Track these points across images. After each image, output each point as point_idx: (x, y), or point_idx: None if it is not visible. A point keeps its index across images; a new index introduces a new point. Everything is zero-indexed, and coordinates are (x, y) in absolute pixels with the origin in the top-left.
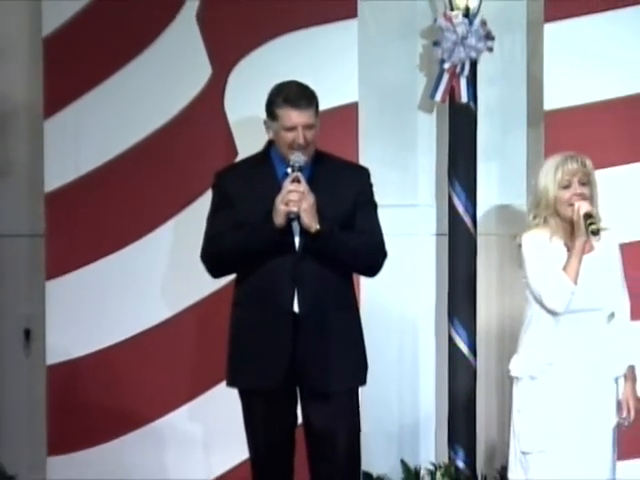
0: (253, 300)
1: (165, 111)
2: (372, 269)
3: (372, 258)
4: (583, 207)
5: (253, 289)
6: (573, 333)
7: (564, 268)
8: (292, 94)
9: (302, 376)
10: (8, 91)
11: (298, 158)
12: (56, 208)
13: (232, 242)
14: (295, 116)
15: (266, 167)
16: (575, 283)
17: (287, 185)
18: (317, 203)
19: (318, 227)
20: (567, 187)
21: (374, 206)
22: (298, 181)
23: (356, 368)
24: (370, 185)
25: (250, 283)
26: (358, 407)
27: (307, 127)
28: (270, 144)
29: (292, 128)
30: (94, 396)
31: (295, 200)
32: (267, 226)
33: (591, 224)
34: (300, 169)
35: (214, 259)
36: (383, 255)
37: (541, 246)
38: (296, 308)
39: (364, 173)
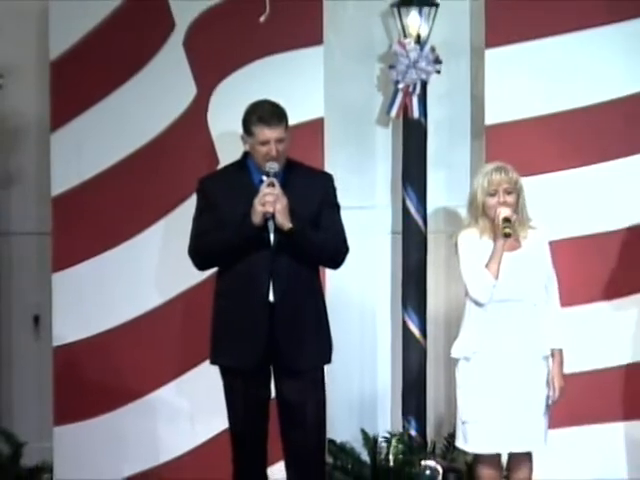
0: (234, 290)
1: (156, 125)
2: (336, 262)
3: (336, 252)
4: (503, 213)
5: (234, 280)
6: (500, 320)
7: (486, 265)
8: (265, 113)
9: (276, 356)
10: (20, 108)
11: (272, 165)
12: (61, 210)
13: (216, 240)
14: (268, 133)
15: (244, 174)
16: (496, 278)
17: (264, 189)
18: (289, 204)
19: (290, 225)
20: (493, 195)
21: (337, 207)
22: (273, 185)
23: (323, 349)
24: (334, 189)
25: (231, 275)
26: (324, 382)
27: (278, 141)
28: (246, 154)
29: (265, 142)
30: (94, 373)
31: (271, 201)
32: (246, 224)
33: (505, 228)
34: (275, 175)
35: (200, 255)
36: (345, 250)
37: (471, 244)
38: (271, 297)
39: (329, 178)
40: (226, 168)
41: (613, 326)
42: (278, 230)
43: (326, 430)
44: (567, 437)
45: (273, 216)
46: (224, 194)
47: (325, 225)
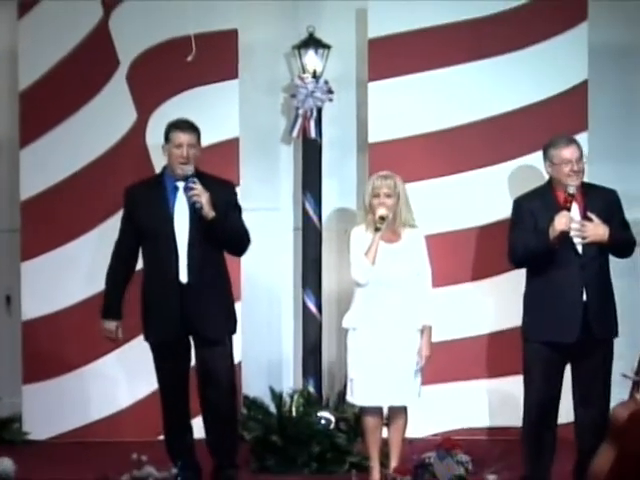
0: (156, 275)
1: (104, 143)
2: (241, 249)
3: (242, 241)
4: (378, 212)
5: (156, 267)
6: (380, 298)
7: (365, 253)
8: (180, 123)
9: (192, 329)
10: None
11: (188, 169)
12: (28, 211)
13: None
14: (182, 136)
15: (159, 185)
16: (372, 263)
17: (190, 185)
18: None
19: (214, 214)
20: (377, 196)
21: (239, 209)
22: (195, 183)
23: (228, 321)
24: (236, 194)
25: (152, 262)
26: (232, 349)
27: (190, 146)
28: (165, 169)
29: (179, 145)
30: (54, 343)
31: (197, 194)
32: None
33: (377, 223)
34: (192, 176)
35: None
36: (248, 241)
37: (358, 237)
38: (184, 279)
39: (232, 186)
40: (148, 181)
41: (476, 302)
42: (202, 220)
43: (235, 387)
44: (441, 392)
45: (201, 207)
46: (140, 202)
47: (232, 221)
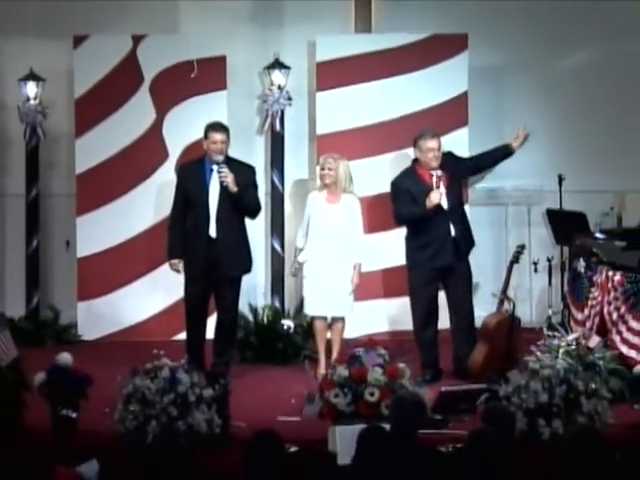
0: (194, 231)
1: (133, 134)
2: (255, 215)
3: (255, 210)
4: (327, 179)
5: (194, 225)
6: (325, 241)
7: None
8: (216, 126)
9: (216, 269)
10: (58, 125)
11: (219, 157)
12: (81, 182)
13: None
14: (217, 136)
15: (200, 167)
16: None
17: (220, 170)
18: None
19: (236, 189)
20: (323, 169)
21: (256, 186)
22: (224, 167)
23: (243, 264)
24: (255, 174)
25: (193, 222)
26: (240, 282)
27: (222, 142)
28: (205, 155)
29: (215, 142)
30: (99, 272)
31: (225, 176)
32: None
33: (324, 182)
34: (223, 162)
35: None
36: (260, 208)
37: (312, 199)
38: (214, 235)
39: (252, 169)
40: (194, 161)
41: (395, 244)
42: (227, 192)
43: (238, 312)
44: (369, 306)
45: (226, 185)
46: (187, 178)
47: (250, 195)
